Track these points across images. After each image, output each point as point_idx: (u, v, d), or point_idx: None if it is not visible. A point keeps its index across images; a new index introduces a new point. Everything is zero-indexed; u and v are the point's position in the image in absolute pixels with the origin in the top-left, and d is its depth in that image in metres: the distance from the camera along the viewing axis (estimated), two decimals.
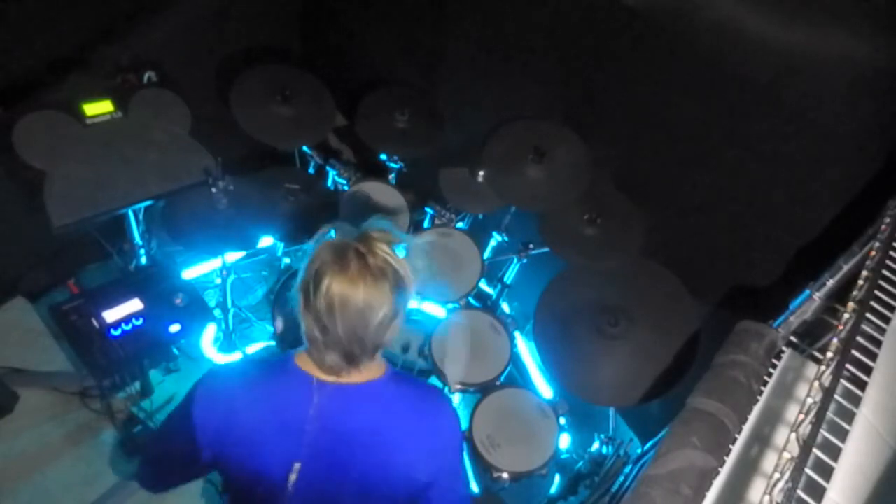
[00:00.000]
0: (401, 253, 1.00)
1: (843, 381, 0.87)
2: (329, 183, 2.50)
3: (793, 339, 1.28)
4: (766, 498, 0.74)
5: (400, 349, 2.09)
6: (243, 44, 2.66)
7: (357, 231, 1.00)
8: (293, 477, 1.03)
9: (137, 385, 2.10)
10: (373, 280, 0.95)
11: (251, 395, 1.05)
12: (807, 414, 0.83)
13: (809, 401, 0.85)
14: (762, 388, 1.16)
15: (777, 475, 0.77)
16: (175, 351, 2.26)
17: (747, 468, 1.04)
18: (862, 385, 0.90)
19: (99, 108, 1.92)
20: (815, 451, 0.78)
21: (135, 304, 1.89)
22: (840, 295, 1.22)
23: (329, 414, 1.03)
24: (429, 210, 2.42)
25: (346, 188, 2.38)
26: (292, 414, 1.03)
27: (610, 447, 1.99)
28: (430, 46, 2.55)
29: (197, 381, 1.07)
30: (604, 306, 1.83)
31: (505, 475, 1.81)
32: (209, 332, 2.37)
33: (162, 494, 1.20)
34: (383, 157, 2.44)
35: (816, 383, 0.87)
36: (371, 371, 1.06)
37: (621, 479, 1.77)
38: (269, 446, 1.03)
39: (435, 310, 2.24)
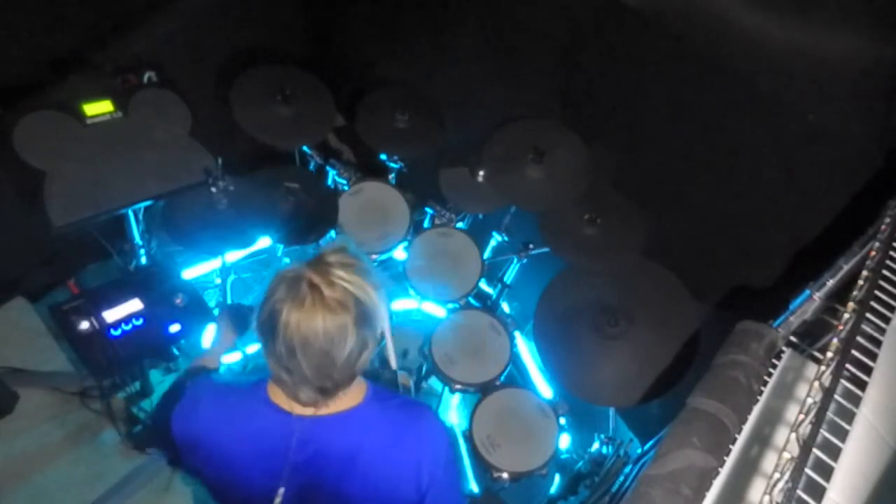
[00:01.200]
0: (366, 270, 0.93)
1: (843, 381, 0.87)
2: (329, 183, 2.49)
3: (793, 339, 1.28)
4: (766, 498, 0.74)
5: (399, 355, 2.09)
6: (243, 44, 2.66)
7: (312, 254, 0.93)
8: (278, 500, 1.01)
9: (137, 385, 2.10)
10: (332, 315, 0.87)
11: (230, 420, 1.02)
12: (807, 414, 0.83)
13: (809, 401, 0.85)
14: (762, 388, 1.16)
15: (777, 475, 0.77)
16: (175, 351, 2.26)
17: (747, 468, 1.04)
18: (862, 385, 0.90)
19: (99, 108, 1.92)
20: (815, 451, 0.78)
21: (135, 304, 1.89)
22: (840, 295, 1.22)
23: (311, 445, 1.00)
24: (429, 210, 2.42)
25: (346, 188, 2.38)
26: (273, 443, 1.00)
27: (610, 447, 1.99)
28: (430, 46, 2.55)
29: (174, 389, 1.05)
30: (604, 306, 1.83)
31: (505, 475, 1.81)
32: (209, 332, 2.36)
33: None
34: (383, 157, 2.44)
35: (816, 383, 0.87)
36: (350, 397, 1.03)
37: (621, 479, 1.77)
38: (251, 471, 1.02)
39: (435, 310, 2.24)
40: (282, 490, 1.01)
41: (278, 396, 1.01)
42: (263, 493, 1.02)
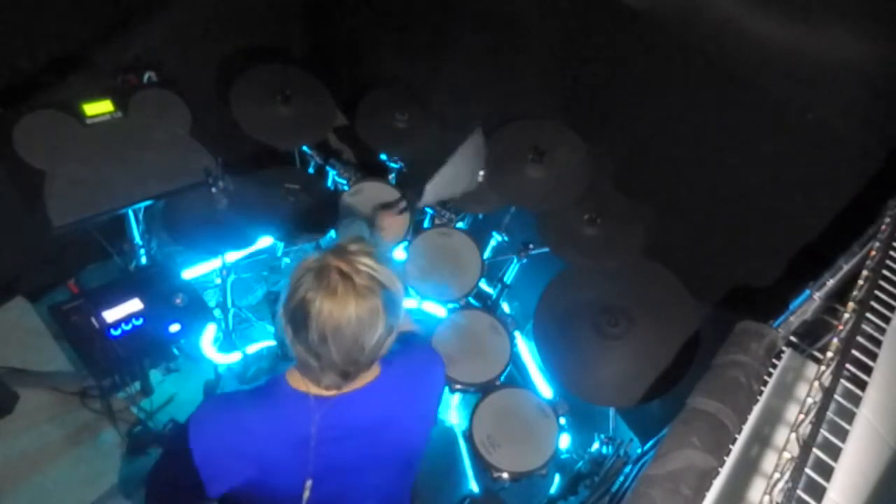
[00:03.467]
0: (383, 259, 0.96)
1: (843, 381, 0.87)
2: (329, 183, 2.49)
3: (793, 339, 1.28)
4: (766, 498, 0.74)
5: None
6: (243, 44, 2.66)
7: (335, 243, 0.95)
8: (307, 494, 1.02)
9: (137, 385, 2.10)
10: (363, 301, 0.90)
11: (251, 424, 1.01)
12: (807, 414, 0.83)
13: (809, 401, 0.85)
14: (762, 388, 1.16)
15: (777, 475, 0.77)
16: (175, 351, 2.26)
17: (747, 468, 1.04)
18: (862, 385, 0.90)
19: (99, 108, 1.92)
20: (815, 451, 0.78)
21: (135, 304, 1.89)
22: (840, 295, 1.22)
23: (330, 424, 1.02)
24: (429, 210, 2.43)
25: (346, 188, 2.38)
26: (296, 434, 1.01)
27: (610, 447, 1.99)
28: (430, 46, 2.55)
29: (189, 423, 1.00)
30: (604, 306, 1.83)
31: (505, 475, 1.81)
32: (209, 332, 2.36)
33: None
34: (383, 157, 2.44)
35: (816, 383, 0.87)
36: (367, 375, 1.05)
37: (621, 479, 1.77)
38: (279, 470, 1.01)
39: (435, 310, 2.24)
40: (309, 482, 1.02)
41: (298, 382, 1.02)
42: (293, 490, 1.02)
